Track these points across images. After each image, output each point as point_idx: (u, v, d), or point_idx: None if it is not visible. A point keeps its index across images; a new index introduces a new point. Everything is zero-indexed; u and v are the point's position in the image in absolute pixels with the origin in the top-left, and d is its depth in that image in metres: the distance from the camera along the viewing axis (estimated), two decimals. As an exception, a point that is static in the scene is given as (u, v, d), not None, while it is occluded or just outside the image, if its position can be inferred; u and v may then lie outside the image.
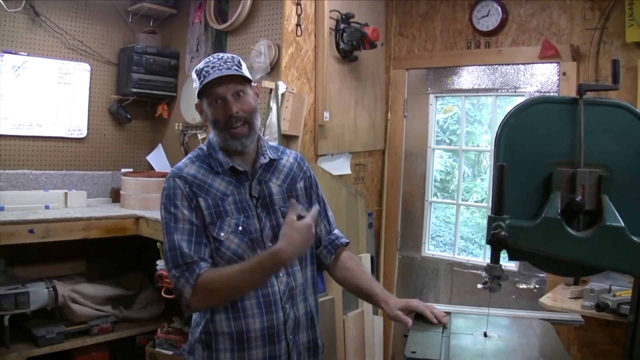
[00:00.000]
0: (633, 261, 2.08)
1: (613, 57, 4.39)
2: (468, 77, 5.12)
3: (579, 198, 2.10)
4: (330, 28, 4.66)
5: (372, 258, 5.08)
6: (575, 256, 2.11)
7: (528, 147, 2.20)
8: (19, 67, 4.85)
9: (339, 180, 4.84)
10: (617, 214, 2.08)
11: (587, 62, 4.49)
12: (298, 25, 4.43)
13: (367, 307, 4.81)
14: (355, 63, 4.90)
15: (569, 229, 2.10)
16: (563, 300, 3.79)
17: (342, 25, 4.69)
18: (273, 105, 4.27)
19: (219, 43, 5.05)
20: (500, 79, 4.94)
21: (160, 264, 4.42)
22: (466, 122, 5.35)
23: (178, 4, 5.48)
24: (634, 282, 2.33)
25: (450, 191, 5.41)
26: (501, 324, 2.57)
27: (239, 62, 2.52)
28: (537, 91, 4.73)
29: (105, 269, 5.21)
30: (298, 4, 4.42)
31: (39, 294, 4.47)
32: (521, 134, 2.21)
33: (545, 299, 3.81)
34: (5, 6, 4.67)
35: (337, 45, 4.72)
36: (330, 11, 4.64)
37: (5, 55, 4.78)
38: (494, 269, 2.15)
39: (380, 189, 5.52)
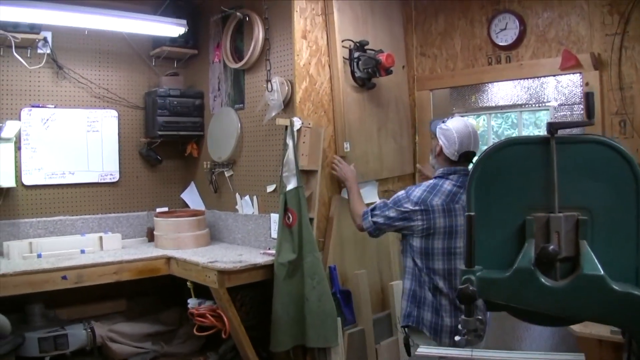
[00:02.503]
0: (614, 311, 1.96)
1: (636, 62, 4.26)
2: (491, 93, 5.05)
3: (551, 247, 2.01)
4: (344, 57, 4.65)
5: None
6: (550, 308, 2.02)
7: (500, 193, 2.13)
8: (47, 120, 5.00)
9: (366, 209, 4.83)
10: (596, 261, 1.96)
11: (610, 70, 4.35)
12: (268, 80, 4.45)
13: (401, 335, 4.77)
14: (375, 89, 4.87)
15: (542, 280, 2.01)
16: (593, 325, 3.67)
17: (356, 54, 4.66)
18: (289, 142, 4.30)
19: (237, 81, 5.12)
20: (524, 94, 4.85)
21: (192, 302, 4.52)
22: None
23: (198, 44, 5.57)
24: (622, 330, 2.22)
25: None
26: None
27: None
28: (562, 104, 4.64)
29: (146, 307, 5.33)
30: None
31: (77, 335, 4.66)
32: (492, 179, 2.14)
33: (575, 324, 3.70)
34: (26, 64, 4.83)
35: (353, 73, 4.70)
36: (343, 40, 4.64)
37: (33, 109, 4.95)
38: (467, 323, 2.10)
39: (412, 213, 5.45)
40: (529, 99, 4.79)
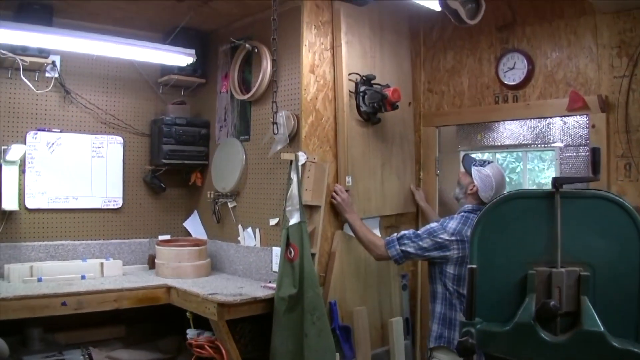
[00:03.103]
0: None
1: (645, 104, 4.26)
2: (498, 132, 5.03)
3: (552, 303, 2.01)
4: (350, 91, 4.64)
5: (406, 320, 5.02)
6: (550, 363, 2.02)
7: (503, 247, 2.13)
8: (52, 144, 5.01)
9: (368, 245, 4.81)
10: (597, 317, 1.96)
11: (617, 113, 4.34)
12: (274, 122, 4.19)
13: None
14: (380, 125, 4.85)
15: (542, 335, 2.01)
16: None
17: (362, 88, 4.64)
18: (293, 177, 4.28)
19: (244, 113, 5.13)
20: (530, 134, 4.83)
21: (191, 333, 4.52)
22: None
23: (206, 73, 5.58)
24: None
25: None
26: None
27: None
28: (567, 145, 4.61)
29: (144, 334, 5.29)
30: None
31: (75, 360, 4.60)
32: (495, 233, 2.14)
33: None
34: (34, 87, 4.85)
35: (359, 107, 4.68)
36: (350, 74, 4.63)
37: (39, 133, 4.97)
38: (466, 376, 2.09)
39: (415, 249, 5.41)
40: (534, 138, 4.77)
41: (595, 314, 1.99)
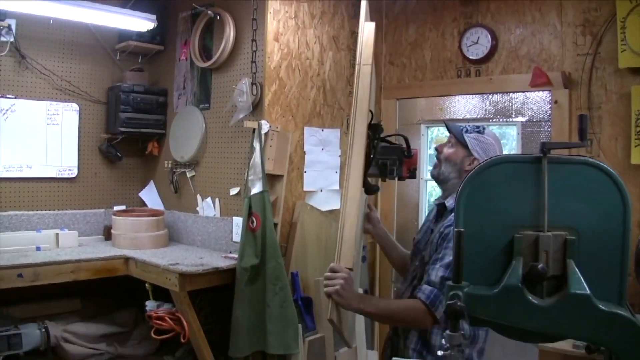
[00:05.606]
0: (599, 330, 1.97)
1: (606, 83, 4.31)
2: (459, 106, 5.04)
3: (540, 266, 2.01)
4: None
5: (365, 292, 5.01)
6: (537, 326, 2.02)
7: (489, 211, 2.12)
8: (7, 110, 4.84)
9: (329, 216, 4.78)
10: (583, 280, 1.98)
11: (580, 90, 4.40)
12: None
13: (359, 343, 4.74)
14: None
15: (530, 298, 2.01)
16: (558, 339, 3.72)
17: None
18: (256, 145, 4.23)
19: (204, 81, 5.03)
20: (492, 108, 4.85)
21: (150, 304, 4.40)
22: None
23: (165, 40, 5.45)
24: (605, 351, 2.22)
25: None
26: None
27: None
28: (529, 120, 4.65)
29: (100, 306, 5.17)
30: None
31: (31, 335, 4.46)
32: (481, 197, 2.13)
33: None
34: (-12, 51, 4.67)
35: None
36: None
37: (-8, 99, 4.79)
38: (452, 338, 2.07)
39: (374, 221, 5.37)
40: (496, 113, 4.80)
41: (581, 277, 2.00)
